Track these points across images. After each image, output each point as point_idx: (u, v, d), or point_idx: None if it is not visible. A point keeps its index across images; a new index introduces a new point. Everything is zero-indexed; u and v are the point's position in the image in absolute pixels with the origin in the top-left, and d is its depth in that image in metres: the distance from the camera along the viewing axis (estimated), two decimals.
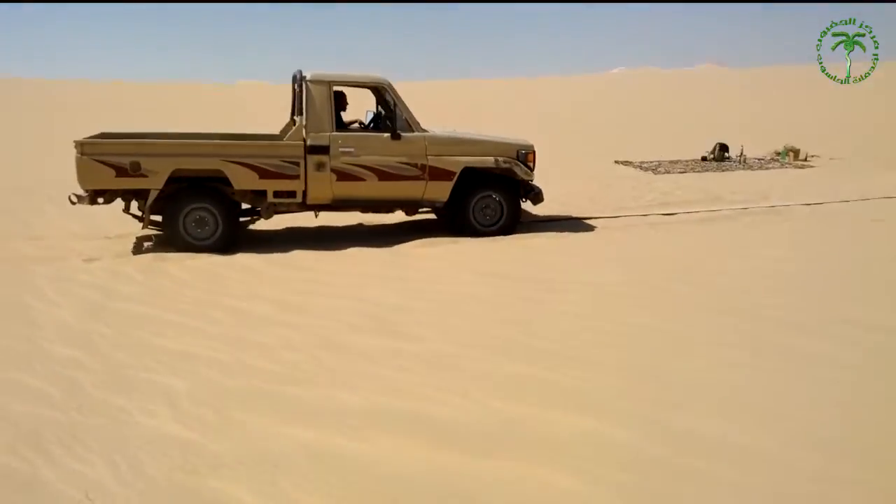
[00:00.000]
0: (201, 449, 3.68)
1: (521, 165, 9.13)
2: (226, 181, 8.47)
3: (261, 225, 9.59)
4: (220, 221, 8.48)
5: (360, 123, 9.13)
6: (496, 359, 4.77)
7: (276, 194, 8.61)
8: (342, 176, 8.63)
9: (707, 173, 15.64)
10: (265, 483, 3.32)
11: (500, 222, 9.17)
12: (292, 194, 8.64)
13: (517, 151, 9.17)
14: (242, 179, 8.45)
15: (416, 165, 8.77)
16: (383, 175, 8.71)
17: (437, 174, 8.85)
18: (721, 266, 7.22)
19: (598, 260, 7.63)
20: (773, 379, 4.31)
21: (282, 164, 8.50)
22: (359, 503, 3.15)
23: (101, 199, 8.39)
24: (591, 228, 9.66)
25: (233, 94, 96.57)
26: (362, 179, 8.68)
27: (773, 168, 16.63)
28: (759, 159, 18.15)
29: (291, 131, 8.78)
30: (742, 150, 18.43)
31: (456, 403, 4.11)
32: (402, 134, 8.72)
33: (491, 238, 8.86)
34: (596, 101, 61.45)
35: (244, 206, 8.93)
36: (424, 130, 8.92)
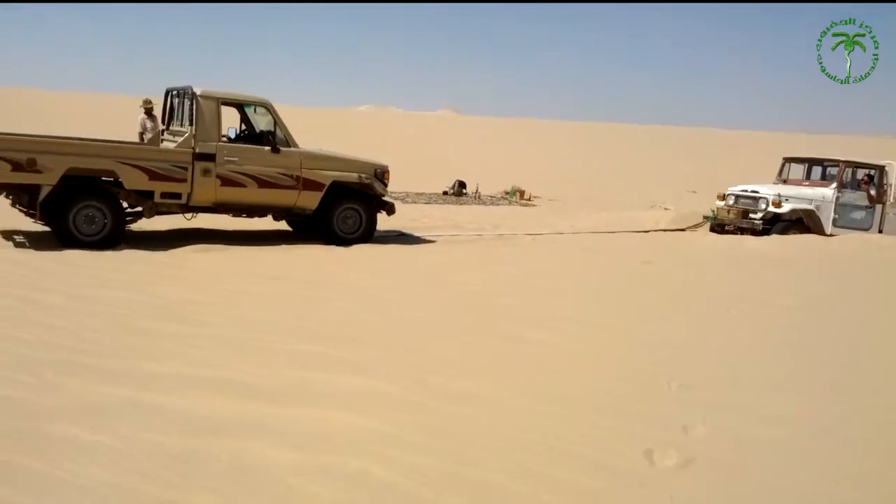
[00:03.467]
0: (32, 404, 4.12)
1: (379, 182, 10.37)
2: (116, 182, 8.96)
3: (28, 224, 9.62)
4: (108, 219, 8.90)
5: (227, 138, 9.83)
6: (283, 340, 5.58)
7: (163, 195, 9.22)
8: (226, 182, 9.44)
9: (447, 205, 17.40)
10: (101, 426, 3.87)
11: (360, 231, 10.33)
12: (177, 196, 9.31)
13: (375, 169, 10.41)
14: (134, 180, 8.99)
15: (291, 176, 9.77)
16: (263, 183, 9.62)
17: (310, 185, 9.91)
18: (464, 277, 8.56)
19: (366, 269, 8.70)
20: (498, 352, 5.54)
21: (171, 167, 9.16)
22: (181, 436, 3.77)
23: None
24: (349, 244, 10.70)
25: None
26: (244, 186, 9.54)
27: (503, 205, 18.82)
28: (491, 196, 20.34)
29: (182, 139, 9.37)
30: (477, 187, 20.57)
31: (252, 371, 4.86)
32: (281, 148, 9.69)
33: (264, 246, 9.67)
34: (345, 135, 63.11)
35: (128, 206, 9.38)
36: (299, 147, 9.95)
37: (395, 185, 20.37)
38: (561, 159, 44.74)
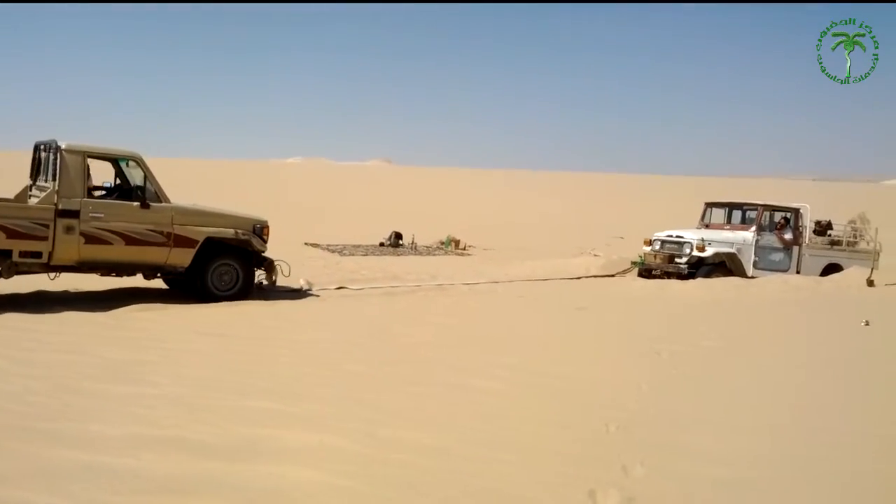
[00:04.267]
0: None
1: (258, 238, 10.18)
2: None
3: None
4: None
5: (105, 190, 9.70)
6: (231, 397, 5.66)
7: (22, 254, 8.84)
8: (90, 239, 9.08)
9: (385, 256, 17.59)
10: (58, 489, 3.89)
11: (236, 288, 10.07)
12: (38, 255, 8.93)
13: (254, 225, 10.23)
14: None
15: (161, 233, 9.47)
16: (130, 240, 9.29)
17: (182, 242, 9.62)
18: (402, 328, 8.73)
19: (306, 323, 8.81)
20: (445, 401, 5.72)
21: (31, 225, 8.80)
22: (138, 496, 3.83)
23: None
24: (292, 298, 10.79)
25: None
26: (110, 243, 9.19)
27: (439, 254, 19.10)
28: (427, 246, 20.62)
29: (45, 195, 9.06)
30: (413, 237, 20.85)
31: (205, 430, 4.93)
32: (151, 204, 9.38)
33: (205, 304, 9.66)
34: (276, 187, 62.92)
35: None
36: (170, 202, 9.64)
37: (332, 237, 20.71)
38: (492, 207, 45.52)
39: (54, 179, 9.11)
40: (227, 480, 4.08)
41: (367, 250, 18.90)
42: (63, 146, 9.13)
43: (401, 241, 20.60)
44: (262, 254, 10.40)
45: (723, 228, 15.72)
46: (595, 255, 18.86)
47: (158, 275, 10.10)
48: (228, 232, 10.01)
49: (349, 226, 26.44)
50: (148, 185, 9.48)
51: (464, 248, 20.86)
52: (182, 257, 9.69)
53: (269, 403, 5.50)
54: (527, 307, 10.86)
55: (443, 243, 21.18)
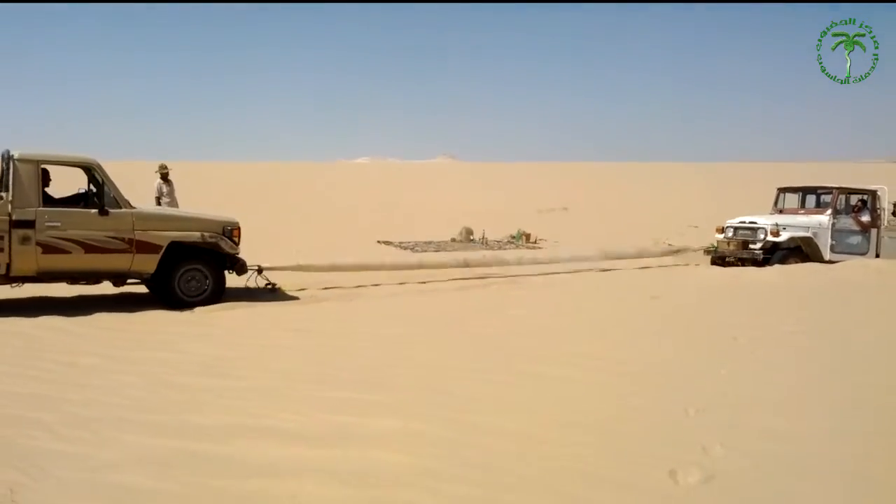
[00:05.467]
0: (92, 457, 4.44)
1: (227, 240, 10.00)
2: None
3: (60, 290, 9.97)
4: None
5: (81, 197, 9.64)
6: (316, 388, 5.88)
7: None
8: (48, 249, 9.00)
9: (457, 252, 17.71)
10: (163, 474, 4.18)
11: (206, 293, 9.92)
12: None
13: (223, 227, 10.08)
14: None
15: (122, 239, 9.32)
16: (90, 248, 9.16)
17: (144, 247, 9.46)
18: (477, 320, 8.86)
19: (384, 318, 9.01)
20: (523, 389, 5.83)
21: None
22: (239, 480, 4.09)
23: None
24: (369, 297, 11.05)
25: None
26: (68, 252, 9.08)
27: (510, 248, 19.14)
28: (497, 241, 20.70)
29: None
30: (484, 232, 20.96)
31: (291, 419, 5.15)
32: (110, 210, 9.27)
33: (286, 301, 9.96)
34: (345, 187, 63.83)
35: None
36: (132, 207, 9.51)
37: (403, 235, 20.99)
38: (561, 200, 45.22)
39: (6, 189, 9.02)
40: (318, 464, 4.28)
41: (438, 246, 19.11)
42: (15, 155, 9.07)
43: (472, 237, 20.75)
44: (235, 255, 10.23)
45: (797, 213, 15.42)
46: (669, 245, 18.66)
47: (127, 282, 10.00)
48: (194, 235, 9.84)
49: (419, 223, 26.70)
50: (106, 190, 9.35)
51: (534, 242, 20.88)
52: (146, 263, 9.55)
53: (352, 393, 5.69)
54: (600, 296, 10.87)
55: (513, 237, 21.24)
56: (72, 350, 7.19)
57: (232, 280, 10.64)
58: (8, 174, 9.09)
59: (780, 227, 14.36)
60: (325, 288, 11.64)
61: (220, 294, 10.02)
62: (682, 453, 4.29)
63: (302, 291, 11.25)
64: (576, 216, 32.33)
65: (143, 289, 10.51)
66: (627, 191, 59.63)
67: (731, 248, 14.88)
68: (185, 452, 4.49)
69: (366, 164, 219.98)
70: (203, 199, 24.55)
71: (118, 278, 9.73)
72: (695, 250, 16.11)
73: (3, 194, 9.04)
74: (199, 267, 9.90)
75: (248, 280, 10.84)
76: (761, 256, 14.26)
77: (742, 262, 14.51)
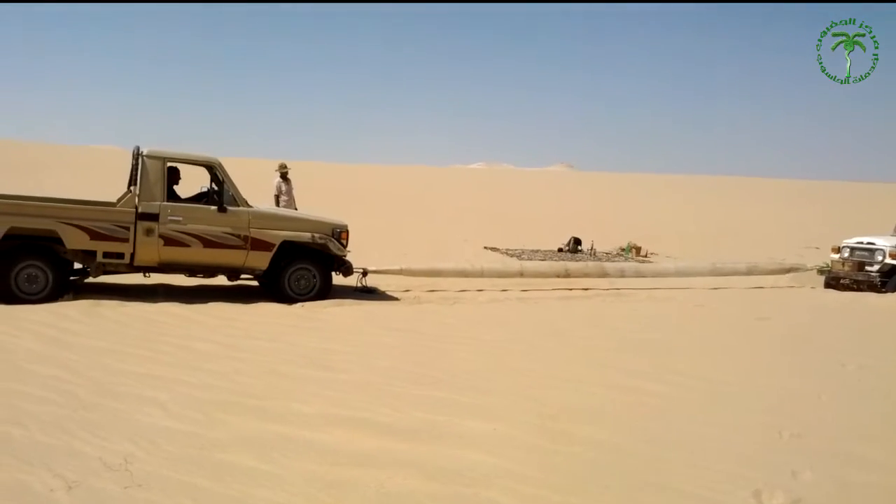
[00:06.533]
0: (200, 436, 4.76)
1: (335, 242, 10.31)
2: (59, 240, 9.13)
3: (178, 279, 10.58)
4: (50, 278, 9.14)
5: (204, 195, 10.12)
6: (413, 386, 6.09)
7: (106, 255, 9.37)
8: (169, 241, 9.51)
9: (563, 262, 17.67)
10: (263, 456, 4.45)
11: (314, 291, 10.27)
12: (121, 256, 9.44)
13: (333, 229, 10.40)
14: (74, 240, 9.16)
15: (238, 236, 9.79)
16: (208, 243, 9.66)
17: (259, 245, 9.90)
18: (577, 331, 8.89)
19: (486, 323, 9.18)
20: (616, 401, 5.84)
21: (113, 227, 9.32)
22: (332, 466, 4.32)
23: None
24: (474, 301, 11.22)
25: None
26: (188, 246, 9.60)
27: (619, 261, 18.89)
28: (606, 253, 20.48)
29: (125, 199, 9.58)
30: (592, 244, 20.79)
31: (386, 413, 5.36)
32: (229, 208, 9.74)
33: (391, 301, 10.26)
34: (458, 192, 64.43)
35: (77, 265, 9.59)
36: (250, 206, 9.97)
37: (512, 242, 21.10)
38: (677, 215, 44.31)
39: (135, 184, 9.64)
40: (409, 458, 4.45)
41: (545, 255, 19.09)
42: (144, 151, 9.63)
43: (579, 247, 20.59)
44: (343, 257, 10.50)
45: None
46: (780, 263, 18.01)
47: (241, 277, 10.39)
48: (305, 236, 10.18)
49: (529, 231, 26.76)
50: (226, 189, 9.82)
51: (645, 255, 20.54)
52: (259, 260, 9.97)
53: (448, 394, 5.86)
54: (705, 315, 10.68)
55: (623, 250, 20.96)
56: (188, 335, 7.65)
57: (339, 280, 11.03)
58: (137, 170, 9.73)
59: None
60: (429, 290, 11.91)
61: (326, 292, 10.39)
62: (769, 475, 4.25)
63: (406, 293, 11.54)
64: (691, 232, 31.57)
65: (255, 283, 11.01)
66: (746, 207, 57.78)
67: (847, 269, 14.24)
68: (284, 437, 4.76)
69: (480, 169, 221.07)
70: (317, 199, 25.42)
71: (233, 273, 10.19)
72: (808, 269, 15.49)
73: (132, 188, 9.70)
74: (308, 266, 10.28)
75: (357, 281, 11.24)
76: (878, 279, 13.58)
77: (857, 284, 13.89)
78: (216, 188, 9.91)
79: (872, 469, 4.42)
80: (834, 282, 14.45)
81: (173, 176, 9.88)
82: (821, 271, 15.17)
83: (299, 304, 9.77)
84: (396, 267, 12.04)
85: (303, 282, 10.25)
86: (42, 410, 5.11)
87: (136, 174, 9.74)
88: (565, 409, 5.61)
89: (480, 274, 12.78)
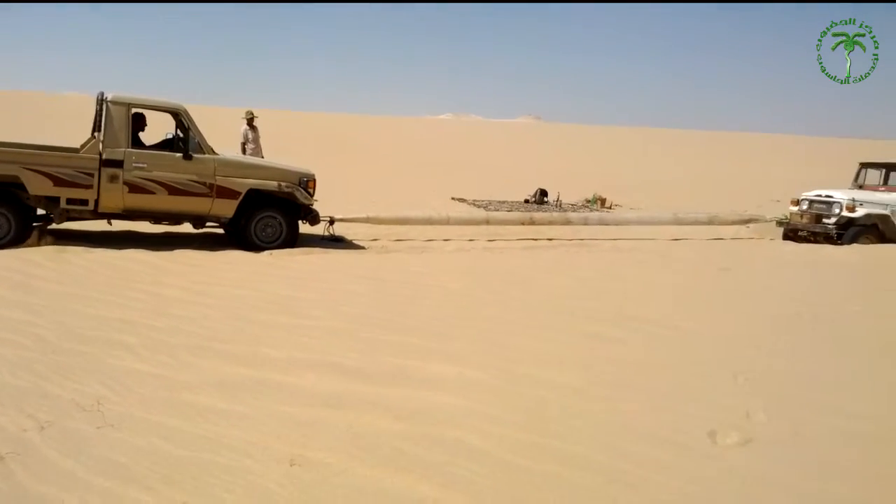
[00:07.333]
0: (170, 378, 4.83)
1: (302, 191, 10.34)
2: (21, 186, 9.11)
3: (144, 227, 10.54)
4: (12, 224, 9.16)
5: (169, 142, 10.04)
6: (380, 331, 6.17)
7: (69, 201, 9.35)
8: (134, 188, 9.50)
9: (529, 213, 17.81)
10: (234, 397, 4.53)
11: (280, 240, 10.33)
12: (84, 202, 9.42)
13: (299, 178, 10.41)
14: (37, 186, 9.16)
15: (204, 184, 9.80)
16: (173, 190, 9.66)
17: (224, 193, 9.92)
18: (541, 279, 9.03)
19: (452, 271, 9.27)
20: (579, 347, 6.00)
21: (76, 174, 9.29)
22: (303, 407, 4.39)
23: None
24: (442, 251, 11.32)
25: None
26: (153, 193, 9.59)
27: (584, 212, 19.10)
28: (572, 204, 20.68)
29: (89, 145, 9.55)
30: (558, 195, 20.96)
31: (355, 357, 5.45)
32: (194, 155, 9.71)
33: (358, 250, 10.34)
34: (427, 143, 64.19)
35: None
36: (215, 154, 9.95)
37: (479, 193, 21.19)
38: (642, 167, 44.67)
39: (99, 130, 9.55)
40: (378, 400, 4.56)
41: (511, 206, 19.22)
42: (109, 97, 9.53)
43: (545, 199, 20.75)
44: (310, 206, 10.53)
45: (877, 190, 14.86)
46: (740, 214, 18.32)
47: (207, 225, 10.43)
48: (272, 184, 10.18)
49: (496, 183, 26.85)
50: (191, 136, 9.76)
51: (610, 207, 20.77)
52: (225, 208, 9.98)
53: (414, 339, 5.96)
54: (668, 264, 10.89)
55: (588, 201, 21.17)
56: (157, 282, 7.68)
57: (307, 229, 11.06)
58: (101, 116, 9.64)
59: (857, 203, 13.87)
60: (397, 240, 11.99)
61: (293, 241, 10.42)
62: (724, 416, 4.42)
63: (374, 242, 11.61)
64: (654, 184, 31.88)
65: (221, 231, 10.98)
66: (712, 159, 58.35)
67: (804, 221, 14.50)
68: (254, 380, 4.85)
69: (448, 120, 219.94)
70: (285, 148, 25.21)
71: (198, 221, 10.19)
72: (767, 221, 15.75)
73: (96, 134, 9.63)
74: (275, 214, 10.30)
75: (324, 230, 11.28)
76: (834, 232, 13.83)
77: (814, 236, 14.17)
78: (181, 135, 9.83)
79: (825, 412, 4.60)
80: (792, 234, 14.71)
81: (138, 122, 9.79)
82: (779, 223, 15.39)
83: (266, 253, 9.78)
84: (363, 215, 12.07)
85: (269, 230, 10.27)
86: (12, 353, 5.15)
87: (101, 120, 9.63)
88: (529, 354, 5.74)
89: (447, 221, 12.87)
